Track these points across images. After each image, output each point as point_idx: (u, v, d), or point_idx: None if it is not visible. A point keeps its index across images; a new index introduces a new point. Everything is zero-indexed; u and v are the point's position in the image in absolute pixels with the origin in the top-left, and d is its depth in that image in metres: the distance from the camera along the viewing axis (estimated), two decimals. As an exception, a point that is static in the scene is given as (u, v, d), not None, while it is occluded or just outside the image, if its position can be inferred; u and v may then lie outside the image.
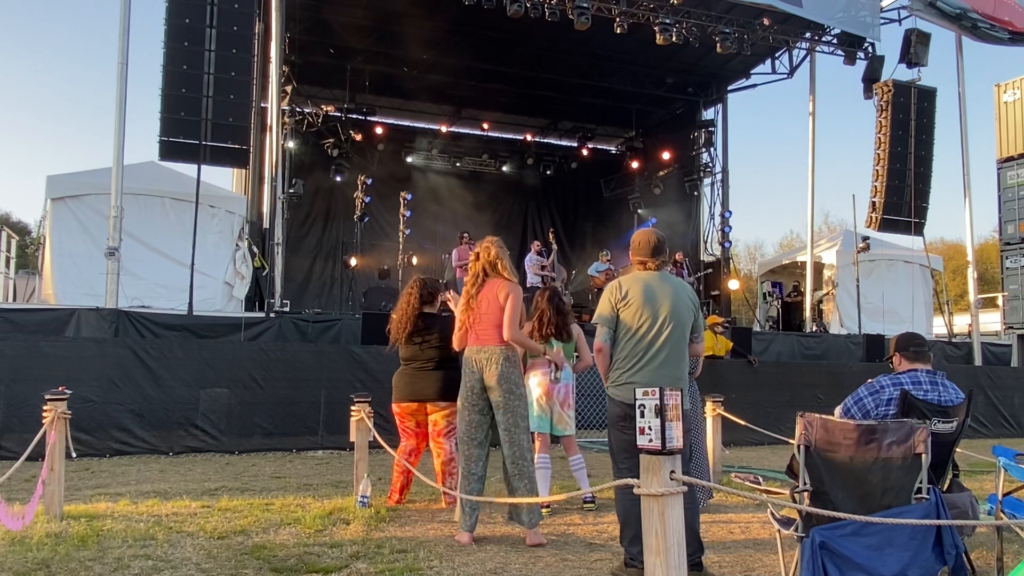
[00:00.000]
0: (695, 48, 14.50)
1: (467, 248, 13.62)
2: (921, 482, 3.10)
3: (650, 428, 2.56)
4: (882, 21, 14.96)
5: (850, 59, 14.94)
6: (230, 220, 12.03)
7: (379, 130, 18.69)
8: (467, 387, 4.80)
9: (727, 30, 13.80)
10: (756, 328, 16.07)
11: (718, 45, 13.82)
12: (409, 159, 19.45)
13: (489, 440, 4.88)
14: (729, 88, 18.59)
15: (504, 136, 21.02)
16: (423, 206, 18.18)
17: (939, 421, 3.52)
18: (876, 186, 14.96)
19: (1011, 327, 15.98)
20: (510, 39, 15.45)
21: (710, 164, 18.76)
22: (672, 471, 2.51)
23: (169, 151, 10.44)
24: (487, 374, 4.72)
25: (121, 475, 7.11)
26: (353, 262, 16.23)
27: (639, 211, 20.07)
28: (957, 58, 15.69)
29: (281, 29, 12.57)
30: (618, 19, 13.20)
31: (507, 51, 16.17)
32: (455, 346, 4.98)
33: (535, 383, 5.76)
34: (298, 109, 16.93)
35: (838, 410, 3.79)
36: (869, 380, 3.80)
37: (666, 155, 19.63)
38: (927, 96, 15.15)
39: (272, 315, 10.85)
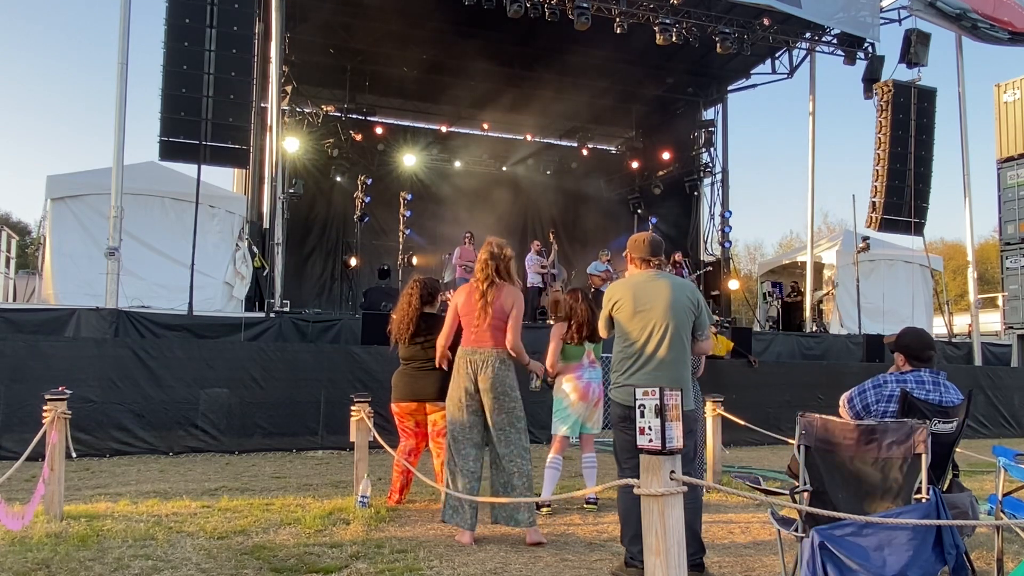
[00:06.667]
0: (695, 48, 14.48)
1: (470, 248, 13.60)
2: (921, 482, 3.10)
3: (650, 428, 2.56)
4: (882, 21, 14.96)
5: (850, 59, 14.93)
6: (230, 220, 12.01)
7: (379, 130, 18.68)
8: (460, 388, 4.79)
9: (727, 30, 13.80)
10: (756, 328, 16.06)
11: (718, 45, 13.82)
12: (409, 159, 19.46)
13: (484, 439, 4.89)
14: (729, 88, 18.59)
15: (504, 136, 21.01)
16: (423, 206, 18.17)
17: (939, 421, 3.51)
18: (876, 186, 14.95)
19: (1011, 327, 15.97)
20: (510, 39, 15.44)
21: (710, 164, 18.76)
22: (672, 471, 2.51)
23: (169, 151, 10.43)
24: (482, 376, 4.73)
25: (121, 475, 7.11)
26: (353, 262, 16.25)
27: (639, 211, 20.07)
28: (957, 58, 15.68)
29: (281, 29, 12.57)
30: (618, 19, 13.19)
31: (507, 51, 16.16)
32: (442, 340, 5.02)
33: (569, 388, 5.78)
34: (298, 109, 16.93)
35: (843, 397, 3.79)
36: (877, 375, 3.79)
37: (666, 155, 19.62)
38: (927, 96, 15.14)
39: (272, 315, 10.84)
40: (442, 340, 5.04)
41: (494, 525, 4.97)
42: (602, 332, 4.35)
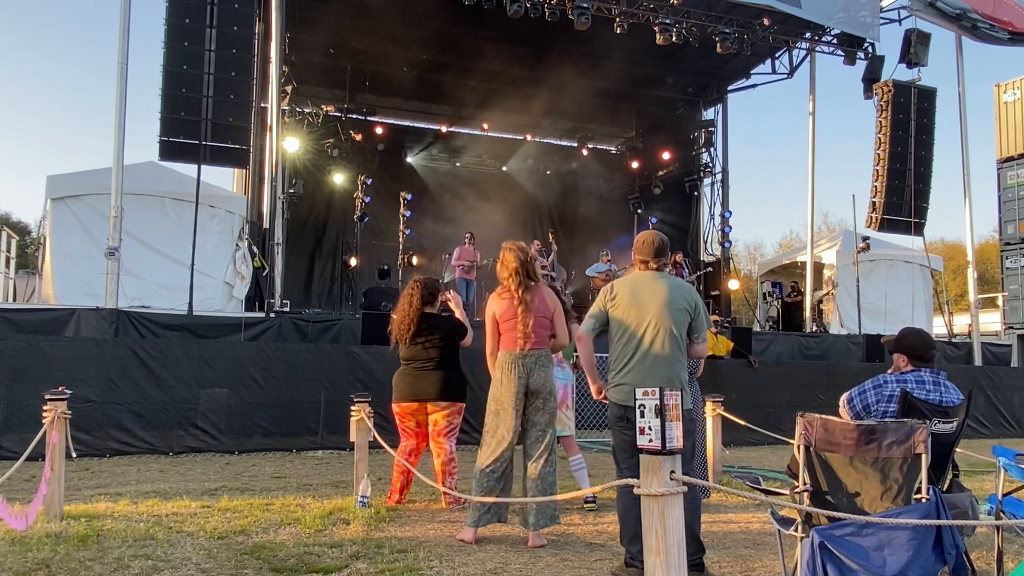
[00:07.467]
0: (695, 48, 14.49)
1: (470, 248, 13.57)
2: (921, 482, 3.10)
3: (650, 428, 2.57)
4: (882, 21, 14.97)
5: (850, 59, 14.94)
6: (230, 220, 12.02)
7: (379, 130, 18.69)
8: (512, 392, 4.79)
9: (727, 30, 13.80)
10: (756, 328, 16.07)
11: (718, 45, 13.82)
12: (409, 159, 19.44)
13: (517, 440, 4.90)
14: (729, 88, 18.59)
15: (504, 136, 21.02)
16: (423, 206, 18.18)
17: (939, 421, 3.51)
18: (876, 186, 14.96)
19: (1011, 327, 15.97)
20: (510, 39, 15.44)
21: (710, 164, 18.77)
22: (672, 471, 2.52)
23: (169, 151, 10.44)
24: (534, 377, 4.81)
25: (121, 475, 7.11)
26: (353, 262, 16.24)
27: (639, 211, 20.07)
28: (957, 58, 15.69)
29: (281, 29, 12.57)
30: (618, 19, 13.20)
31: (507, 51, 16.16)
32: (490, 349, 4.97)
33: None
34: (298, 109, 16.93)
35: (843, 397, 3.79)
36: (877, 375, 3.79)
37: (666, 155, 19.63)
38: (927, 96, 15.15)
39: (272, 315, 10.85)
40: (489, 351, 5.03)
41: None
42: (587, 317, 4.28)
